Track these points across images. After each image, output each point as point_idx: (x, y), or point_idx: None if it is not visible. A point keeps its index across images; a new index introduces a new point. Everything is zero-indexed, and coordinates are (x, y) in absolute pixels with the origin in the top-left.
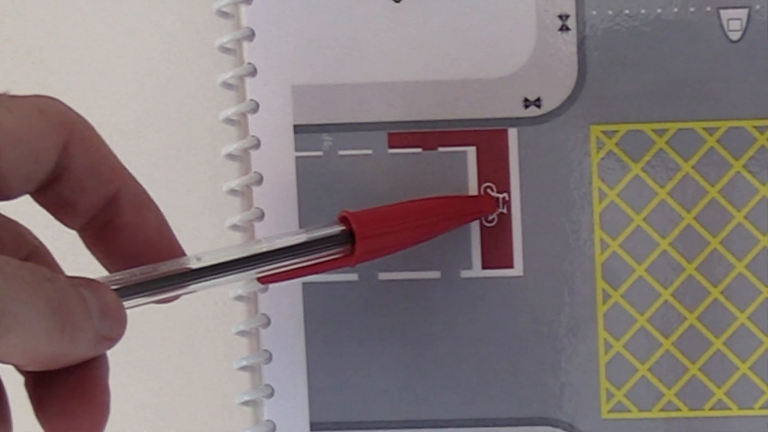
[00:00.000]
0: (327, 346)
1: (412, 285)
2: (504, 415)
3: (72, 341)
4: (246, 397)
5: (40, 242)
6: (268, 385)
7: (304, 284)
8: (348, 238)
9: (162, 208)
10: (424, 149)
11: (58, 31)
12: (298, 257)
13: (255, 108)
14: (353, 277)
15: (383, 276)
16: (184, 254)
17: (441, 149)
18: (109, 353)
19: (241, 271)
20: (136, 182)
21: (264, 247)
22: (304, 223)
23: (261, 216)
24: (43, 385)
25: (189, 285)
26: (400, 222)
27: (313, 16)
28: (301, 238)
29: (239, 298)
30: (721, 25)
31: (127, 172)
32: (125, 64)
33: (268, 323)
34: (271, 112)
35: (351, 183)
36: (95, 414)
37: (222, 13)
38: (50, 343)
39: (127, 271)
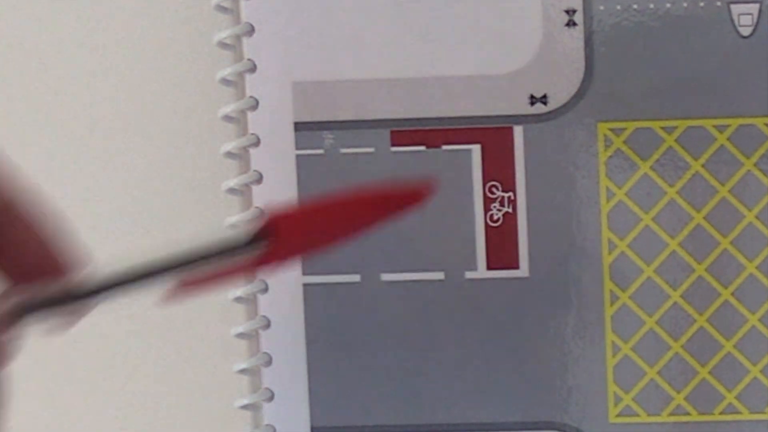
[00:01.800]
0: (328, 348)
1: (415, 286)
2: (510, 420)
3: None
4: (245, 401)
5: None
6: (267, 389)
7: (305, 285)
8: (263, 240)
9: (160, 208)
10: (427, 147)
11: (55, 27)
12: (209, 265)
13: (254, 105)
14: (355, 278)
15: (386, 277)
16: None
17: (445, 147)
18: (107, 356)
19: (143, 287)
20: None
21: (165, 262)
22: None
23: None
24: None
25: (83, 303)
26: (324, 222)
27: (314, 10)
28: (211, 245)
29: (238, 299)
30: (732, 20)
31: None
32: (122, 60)
33: (267, 325)
34: (270, 110)
35: (353, 182)
36: None
37: (221, 8)
38: None
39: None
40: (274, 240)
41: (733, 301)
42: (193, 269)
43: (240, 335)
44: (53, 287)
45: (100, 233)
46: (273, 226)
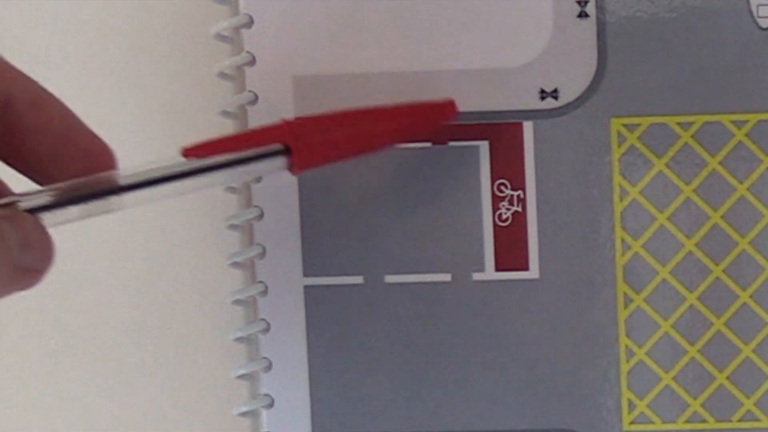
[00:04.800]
0: (330, 353)
1: (421, 288)
2: (519, 427)
3: None
4: (244, 408)
5: None
6: (267, 395)
7: (306, 287)
8: (286, 150)
9: (157, 206)
10: (433, 144)
11: (50, 19)
12: (234, 169)
13: (254, 100)
14: (358, 280)
15: (390, 279)
16: (102, 143)
17: (452, 144)
18: (102, 361)
19: (173, 181)
20: (30, 80)
21: (197, 164)
22: (305, 223)
23: (260, 215)
24: None
25: (116, 197)
26: (345, 132)
27: (315, 1)
28: (237, 154)
29: (237, 302)
30: (750, 11)
31: (16, 73)
32: (117, 53)
33: (267, 329)
34: (270, 104)
35: (356, 179)
36: None
37: None
38: None
39: (51, 186)
40: (293, 153)
41: (751, 303)
42: (220, 174)
43: (239, 339)
44: (86, 181)
45: (97, 230)
46: (292, 136)
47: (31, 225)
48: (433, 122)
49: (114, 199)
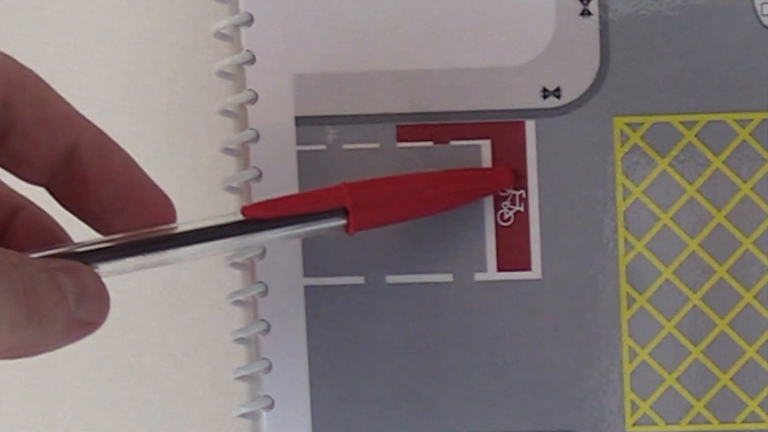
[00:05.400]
0: (331, 354)
1: (423, 289)
2: (521, 428)
3: (42, 329)
4: (244, 409)
5: (27, 199)
6: (267, 396)
7: (307, 288)
8: (344, 212)
9: None
10: (435, 143)
11: (49, 17)
12: (292, 228)
13: (254, 98)
14: (359, 280)
15: (391, 279)
16: (164, 196)
17: (453, 143)
18: (100, 363)
19: (230, 237)
20: (97, 130)
21: (254, 221)
22: None
23: None
24: None
25: (171, 250)
26: (401, 197)
27: (315, 0)
28: (295, 215)
29: (237, 302)
30: (755, 9)
31: (83, 121)
32: (116, 53)
33: (268, 330)
34: (271, 103)
35: (357, 179)
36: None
37: None
38: (15, 333)
39: (109, 237)
40: (350, 215)
41: (755, 304)
42: (275, 232)
43: (239, 340)
44: (144, 233)
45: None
46: (351, 199)
47: (89, 277)
48: (489, 189)
49: (170, 252)
